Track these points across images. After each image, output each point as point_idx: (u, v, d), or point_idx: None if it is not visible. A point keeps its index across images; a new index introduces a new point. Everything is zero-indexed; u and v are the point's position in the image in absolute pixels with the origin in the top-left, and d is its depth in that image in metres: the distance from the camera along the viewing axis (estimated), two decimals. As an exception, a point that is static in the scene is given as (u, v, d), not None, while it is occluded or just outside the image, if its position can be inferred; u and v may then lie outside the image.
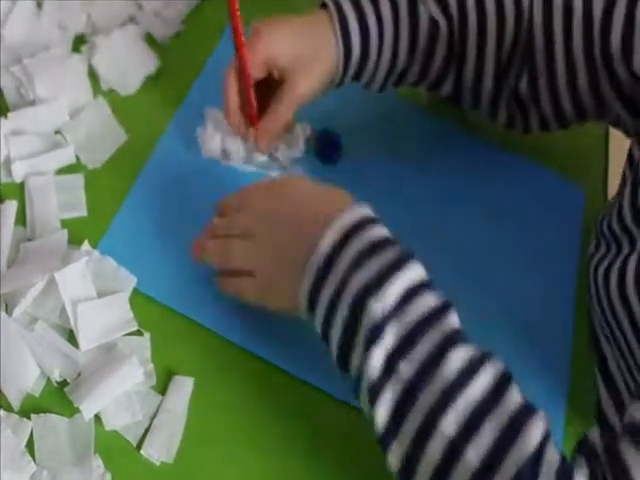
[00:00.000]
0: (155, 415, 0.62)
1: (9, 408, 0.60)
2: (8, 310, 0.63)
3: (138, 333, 0.65)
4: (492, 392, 0.53)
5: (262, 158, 0.76)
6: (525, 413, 0.52)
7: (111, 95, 0.78)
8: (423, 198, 0.79)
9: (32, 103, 0.74)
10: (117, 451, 0.60)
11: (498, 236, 0.79)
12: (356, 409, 0.65)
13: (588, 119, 0.77)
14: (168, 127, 0.77)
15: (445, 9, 0.73)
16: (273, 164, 0.77)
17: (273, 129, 0.74)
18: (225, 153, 0.76)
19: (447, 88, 0.77)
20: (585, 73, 0.71)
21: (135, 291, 0.67)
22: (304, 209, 0.62)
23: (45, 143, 0.73)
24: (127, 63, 0.80)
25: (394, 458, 0.55)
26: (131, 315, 0.65)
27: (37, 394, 0.61)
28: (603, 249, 0.72)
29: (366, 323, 0.54)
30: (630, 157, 0.73)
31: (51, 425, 0.60)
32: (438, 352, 0.54)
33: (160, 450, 0.61)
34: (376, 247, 0.57)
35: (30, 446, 0.59)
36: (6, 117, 0.72)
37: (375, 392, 0.54)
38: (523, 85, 0.74)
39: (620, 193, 0.73)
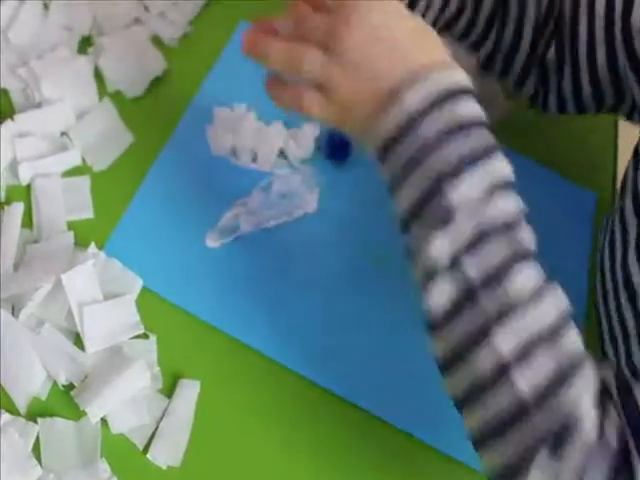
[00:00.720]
0: (162, 418, 0.62)
1: (15, 412, 0.60)
2: (14, 312, 0.63)
3: (144, 336, 0.65)
4: (554, 325, 0.50)
5: (271, 158, 0.76)
6: (581, 358, 0.50)
7: (118, 97, 0.77)
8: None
9: (38, 105, 0.74)
10: (123, 455, 0.60)
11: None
12: (366, 412, 0.65)
13: (605, 106, 0.77)
14: (177, 128, 0.77)
15: None
16: (283, 163, 0.77)
17: None
18: (234, 152, 0.76)
19: (486, 48, 0.76)
20: (604, 52, 0.71)
21: (142, 294, 0.67)
22: (404, 40, 0.54)
23: (51, 145, 0.73)
24: (134, 65, 0.79)
25: (439, 349, 0.52)
26: (137, 318, 0.65)
27: (43, 397, 0.61)
28: (608, 241, 0.71)
29: (440, 205, 0.50)
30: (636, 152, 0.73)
31: (57, 429, 0.60)
32: (508, 261, 0.50)
33: (167, 454, 0.60)
34: (469, 126, 0.52)
35: (36, 450, 0.59)
36: (12, 119, 0.72)
37: (433, 278, 0.51)
38: (551, 54, 0.73)
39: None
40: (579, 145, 0.72)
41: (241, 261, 0.71)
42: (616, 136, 0.91)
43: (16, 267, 0.66)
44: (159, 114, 0.78)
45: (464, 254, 0.50)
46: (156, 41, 0.82)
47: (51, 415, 0.60)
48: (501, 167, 0.53)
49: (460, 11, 0.74)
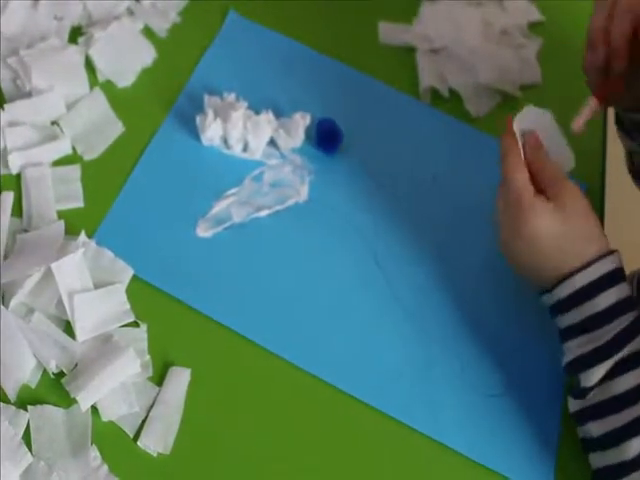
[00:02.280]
0: (152, 406, 0.62)
1: (6, 399, 0.60)
2: (5, 301, 0.63)
3: (135, 324, 0.65)
4: None
5: (261, 147, 0.76)
6: None
7: (108, 86, 0.77)
8: (421, 189, 0.79)
9: (29, 94, 0.74)
10: (114, 442, 0.60)
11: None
12: (357, 400, 0.66)
13: None
14: (167, 117, 0.77)
15: None
16: (273, 153, 0.77)
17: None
18: (225, 141, 0.76)
19: None
20: None
21: (132, 282, 0.67)
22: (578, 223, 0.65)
23: (42, 134, 0.73)
24: (124, 54, 0.79)
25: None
26: (128, 306, 0.65)
27: (34, 385, 0.61)
28: None
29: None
30: None
31: (48, 416, 0.60)
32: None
33: (157, 441, 0.61)
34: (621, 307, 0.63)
35: (27, 437, 0.59)
36: (2, 108, 0.72)
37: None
38: None
39: None
40: (566, 135, 0.72)
41: (232, 250, 0.71)
42: (605, 126, 0.91)
43: (6, 256, 0.66)
44: (149, 103, 0.78)
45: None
46: (146, 31, 0.82)
47: (41, 403, 0.60)
48: None
49: None
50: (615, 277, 0.64)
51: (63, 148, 0.73)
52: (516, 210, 0.65)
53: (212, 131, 0.75)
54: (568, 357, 0.64)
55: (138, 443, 0.60)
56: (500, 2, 0.94)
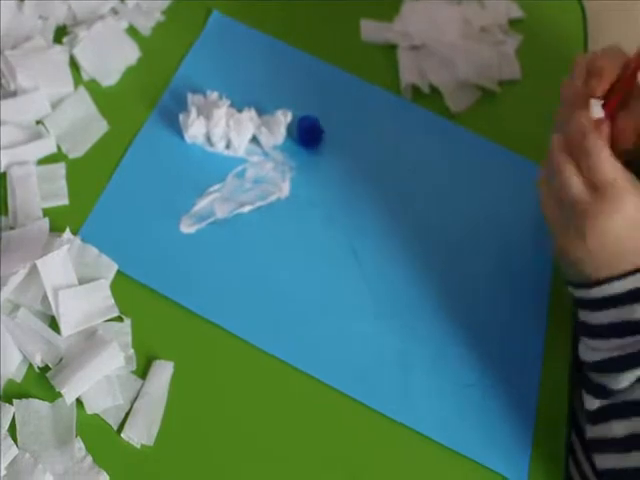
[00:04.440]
0: (136, 399, 0.63)
1: (-8, 394, 0.61)
2: (-10, 298, 0.64)
3: (119, 319, 0.66)
4: None
5: (244, 144, 0.77)
6: None
7: (92, 85, 0.78)
8: (402, 185, 0.80)
9: (13, 94, 0.75)
10: (98, 434, 0.61)
11: (478, 223, 0.80)
12: (338, 391, 0.67)
13: None
14: (150, 115, 0.78)
15: None
16: (255, 150, 0.78)
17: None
18: (208, 138, 0.77)
19: None
20: None
21: (117, 278, 0.68)
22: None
23: (26, 133, 0.73)
24: (108, 54, 0.80)
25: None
26: (112, 301, 0.66)
27: (19, 379, 0.62)
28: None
29: None
30: None
31: (33, 410, 0.61)
32: None
33: (140, 433, 0.62)
34: None
35: (12, 430, 0.60)
36: (-13, 108, 0.73)
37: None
38: None
39: None
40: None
41: (215, 245, 0.72)
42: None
43: (-8, 253, 0.67)
44: (133, 102, 0.79)
45: None
46: (130, 30, 0.83)
47: (27, 397, 0.61)
48: None
49: None
50: None
51: (48, 147, 0.74)
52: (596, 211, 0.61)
53: (195, 129, 0.76)
54: (596, 356, 0.63)
55: (122, 435, 0.61)
56: (480, 2, 0.95)
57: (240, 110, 0.78)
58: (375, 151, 0.82)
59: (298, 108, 0.80)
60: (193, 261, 0.71)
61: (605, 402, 0.62)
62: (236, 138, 0.77)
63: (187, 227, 0.73)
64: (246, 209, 0.75)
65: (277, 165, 0.78)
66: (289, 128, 0.79)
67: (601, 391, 0.63)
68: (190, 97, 0.78)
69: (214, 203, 0.74)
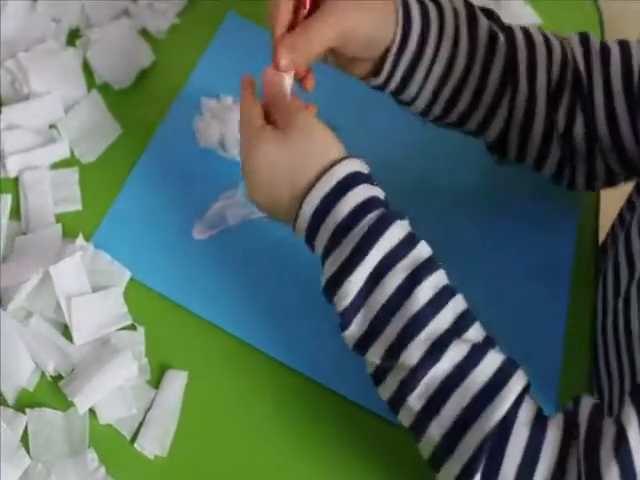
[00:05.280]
0: (149, 409, 0.62)
1: (4, 402, 0.61)
2: (2, 305, 0.63)
3: (132, 327, 0.65)
4: (453, 325, 0.55)
5: None
6: (487, 344, 0.55)
7: (105, 89, 0.78)
8: (420, 194, 0.79)
9: (26, 97, 0.75)
10: (111, 445, 0.61)
11: (490, 230, 0.79)
12: (357, 405, 0.66)
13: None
14: (164, 119, 0.78)
15: (500, 26, 0.70)
16: None
17: (297, 47, 0.61)
18: (222, 143, 0.76)
19: (497, 125, 0.71)
20: (628, 123, 0.68)
21: (130, 285, 0.67)
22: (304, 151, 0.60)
23: (39, 137, 0.73)
24: (121, 57, 0.80)
25: (368, 365, 0.58)
26: (125, 309, 0.66)
27: (32, 388, 0.62)
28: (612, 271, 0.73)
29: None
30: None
31: (46, 419, 0.60)
32: (406, 284, 0.55)
33: (154, 444, 0.61)
34: (364, 208, 0.57)
35: (25, 440, 0.59)
36: (0, 112, 0.72)
37: (347, 317, 0.57)
38: (578, 128, 0.69)
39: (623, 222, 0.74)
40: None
41: (228, 253, 0.71)
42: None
43: (4, 259, 0.66)
44: (147, 106, 0.78)
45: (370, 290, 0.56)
46: (144, 33, 0.82)
47: (39, 406, 0.61)
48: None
49: (464, 81, 0.68)
50: (356, 179, 0.58)
51: (61, 151, 0.73)
52: (246, 142, 0.61)
53: (209, 134, 0.75)
54: (323, 282, 0.59)
55: (135, 445, 0.61)
56: (497, 3, 0.94)
57: (254, 114, 0.77)
58: (390, 164, 0.80)
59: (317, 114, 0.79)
60: (206, 268, 0.70)
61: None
62: None
63: (200, 234, 0.72)
64: (258, 216, 0.73)
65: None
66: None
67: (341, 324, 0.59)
68: (204, 101, 0.77)
69: (226, 209, 0.73)
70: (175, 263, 0.70)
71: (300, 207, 0.58)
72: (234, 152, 0.76)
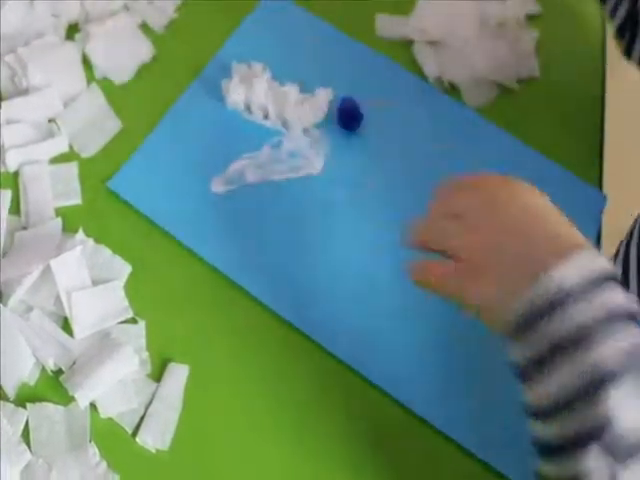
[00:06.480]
0: (150, 403, 0.62)
1: (4, 397, 0.60)
2: (3, 299, 0.63)
3: (133, 321, 0.65)
4: None
5: (283, 116, 0.78)
6: None
7: (105, 83, 0.77)
8: (434, 174, 0.78)
9: (26, 92, 0.74)
10: (112, 439, 0.60)
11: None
12: (367, 380, 0.65)
13: None
14: (194, 82, 0.79)
15: None
16: (294, 124, 0.78)
17: None
18: (248, 107, 0.78)
19: None
20: None
21: (130, 279, 0.67)
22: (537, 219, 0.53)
23: (39, 132, 0.73)
24: (121, 51, 0.79)
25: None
26: (126, 303, 0.65)
27: (32, 383, 0.62)
28: None
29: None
30: None
31: (46, 414, 0.60)
32: None
33: (155, 437, 0.61)
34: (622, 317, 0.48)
35: (26, 435, 0.59)
36: (0, 106, 0.72)
37: None
38: None
39: None
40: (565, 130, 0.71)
41: (244, 208, 0.73)
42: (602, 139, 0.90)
43: (4, 254, 0.66)
44: (147, 100, 0.78)
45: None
46: (144, 27, 0.82)
47: (40, 400, 0.61)
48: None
49: None
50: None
51: (60, 145, 0.73)
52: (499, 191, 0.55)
53: (236, 95, 0.77)
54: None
55: (137, 439, 0.61)
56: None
57: (282, 84, 0.78)
58: (410, 139, 0.81)
59: (340, 89, 0.80)
60: (219, 220, 0.72)
61: None
62: (275, 110, 0.77)
63: (218, 187, 0.73)
64: (277, 177, 0.75)
65: (313, 142, 0.77)
66: (329, 108, 0.79)
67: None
68: (235, 65, 0.79)
69: (246, 168, 0.75)
70: (189, 210, 0.72)
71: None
72: (259, 116, 0.78)
